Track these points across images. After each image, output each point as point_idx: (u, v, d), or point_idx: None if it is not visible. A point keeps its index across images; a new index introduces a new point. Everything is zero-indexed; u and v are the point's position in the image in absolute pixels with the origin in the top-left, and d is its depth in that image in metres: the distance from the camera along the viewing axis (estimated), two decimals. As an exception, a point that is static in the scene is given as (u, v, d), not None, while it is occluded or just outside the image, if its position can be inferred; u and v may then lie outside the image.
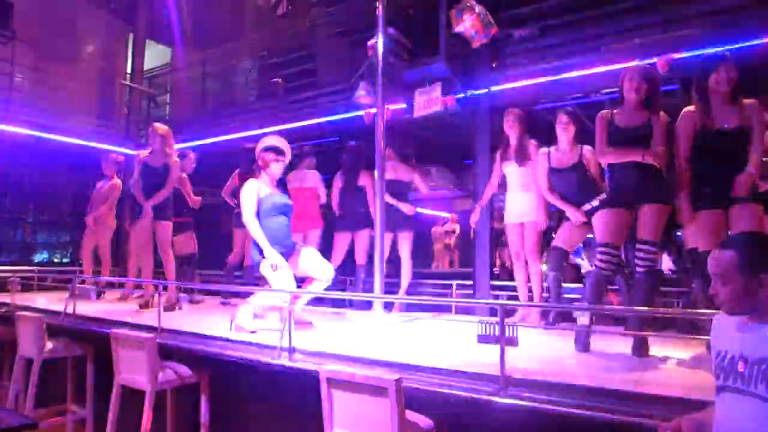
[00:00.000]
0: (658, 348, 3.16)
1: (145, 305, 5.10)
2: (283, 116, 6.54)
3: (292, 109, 6.58)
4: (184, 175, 5.73)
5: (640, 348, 2.98)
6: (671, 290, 4.28)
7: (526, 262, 4.24)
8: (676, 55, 4.03)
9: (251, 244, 3.95)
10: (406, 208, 5.07)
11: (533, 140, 4.28)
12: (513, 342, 2.47)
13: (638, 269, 3.07)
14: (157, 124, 5.31)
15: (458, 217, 10.27)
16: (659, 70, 3.96)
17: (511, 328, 2.45)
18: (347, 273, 5.56)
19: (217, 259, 7.08)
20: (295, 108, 6.53)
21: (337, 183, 5.37)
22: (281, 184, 4.45)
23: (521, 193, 4.23)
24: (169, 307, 4.85)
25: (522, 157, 4.22)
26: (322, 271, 3.92)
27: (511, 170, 4.30)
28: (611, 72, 4.25)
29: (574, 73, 4.48)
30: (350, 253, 5.36)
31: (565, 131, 3.89)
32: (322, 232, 5.45)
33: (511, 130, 4.31)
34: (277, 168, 3.95)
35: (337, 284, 5.54)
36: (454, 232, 10.23)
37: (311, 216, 5.25)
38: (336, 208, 5.35)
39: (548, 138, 4.34)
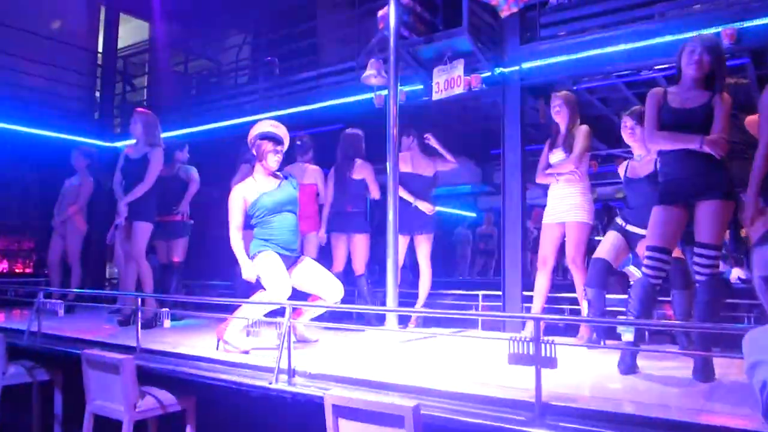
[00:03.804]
0: (725, 371, 3.12)
1: (126, 321, 5.15)
2: (279, 100, 6.57)
3: (289, 92, 6.60)
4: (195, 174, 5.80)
5: (704, 371, 2.95)
6: (740, 302, 4.23)
7: (555, 270, 4.25)
8: (745, 24, 3.98)
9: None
10: (424, 206, 5.07)
11: (584, 125, 4.26)
12: (551, 363, 2.46)
13: (698, 277, 3.04)
14: (139, 109, 5.36)
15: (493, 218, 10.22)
16: (724, 42, 3.92)
17: (548, 346, 2.44)
18: (351, 281, 5.59)
19: (206, 267, 7.11)
20: (294, 91, 6.55)
21: (331, 179, 5.41)
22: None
23: (565, 187, 4.24)
24: (148, 324, 4.89)
25: (570, 146, 4.22)
26: (328, 291, 3.93)
27: (557, 160, 4.29)
28: (665, 44, 4.21)
29: (621, 47, 4.45)
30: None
31: (631, 137, 3.89)
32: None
33: (558, 115, 4.30)
34: (274, 159, 3.97)
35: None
36: (491, 235, 10.21)
37: (309, 217, 5.27)
38: (326, 207, 5.39)
39: (592, 123, 4.32)
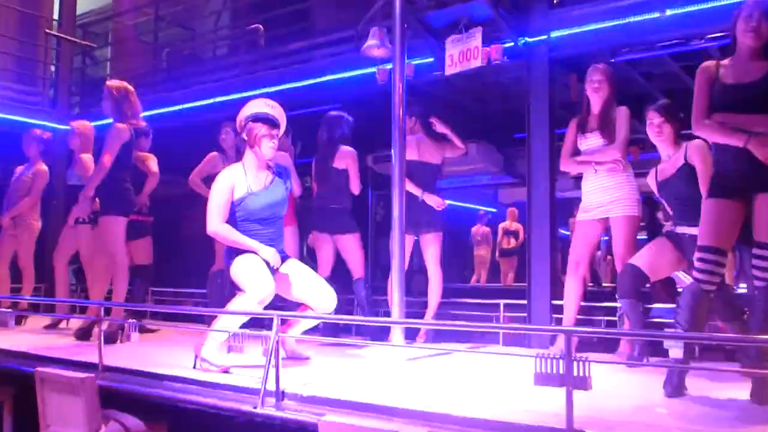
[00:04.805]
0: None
1: (84, 335, 5.17)
2: (264, 75, 6.56)
3: (277, 65, 6.60)
4: (151, 160, 5.80)
5: (761, 392, 2.95)
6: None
7: (587, 279, 4.27)
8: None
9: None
10: (433, 200, 5.07)
11: (624, 107, 4.27)
12: (584, 384, 2.47)
13: (758, 283, 3.04)
14: (109, 82, 5.32)
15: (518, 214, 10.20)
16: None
17: (581, 364, 2.44)
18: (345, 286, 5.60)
19: (179, 272, 7.12)
20: (282, 64, 6.55)
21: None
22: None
23: (606, 177, 4.24)
24: (112, 337, 4.91)
25: (608, 130, 4.22)
26: (318, 298, 3.93)
27: (593, 146, 4.29)
28: (720, 9, 4.20)
29: (668, 11, 4.43)
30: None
31: (658, 135, 3.90)
32: (297, 231, 5.51)
33: (596, 93, 4.29)
34: (269, 146, 3.95)
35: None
36: (515, 233, 10.22)
37: None
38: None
39: (633, 104, 4.31)
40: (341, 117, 5.42)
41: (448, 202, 5.28)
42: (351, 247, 5.28)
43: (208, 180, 5.52)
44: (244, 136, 3.97)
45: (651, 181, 4.06)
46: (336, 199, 5.28)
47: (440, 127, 5.19)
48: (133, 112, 5.14)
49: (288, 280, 3.95)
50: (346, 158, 5.27)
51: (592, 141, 4.29)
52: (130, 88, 5.19)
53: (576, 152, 4.37)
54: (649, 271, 3.83)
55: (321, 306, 3.92)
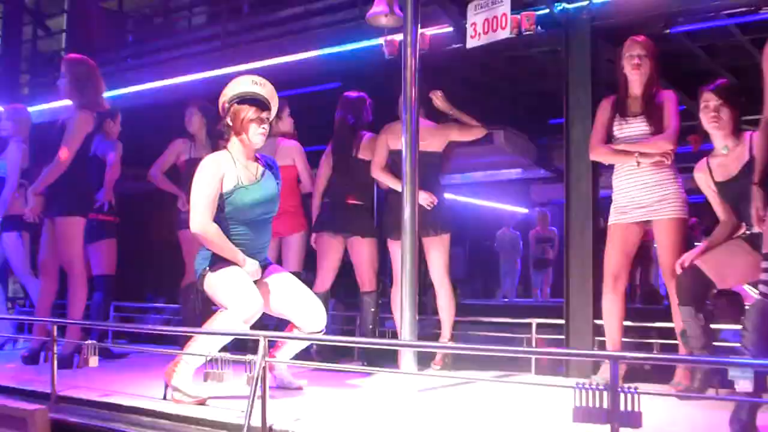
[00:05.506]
0: None
1: (33, 359, 5.18)
2: (249, 49, 6.56)
3: (265, 36, 6.60)
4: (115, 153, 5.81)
5: None
6: None
7: (629, 290, 4.24)
8: None
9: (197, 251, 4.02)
10: (421, 197, 4.89)
11: (671, 90, 4.24)
12: (633, 420, 2.45)
13: None
14: (68, 56, 5.35)
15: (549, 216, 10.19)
16: None
17: (629, 397, 2.43)
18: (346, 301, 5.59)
19: (147, 284, 7.15)
20: (271, 35, 6.55)
21: (327, 159, 5.45)
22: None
23: (650, 172, 4.22)
24: (67, 362, 4.91)
25: (654, 115, 4.20)
26: (304, 315, 3.93)
27: (635, 134, 4.29)
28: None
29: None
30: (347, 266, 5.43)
31: (715, 121, 3.84)
32: (305, 237, 5.51)
33: (636, 70, 4.28)
34: (258, 133, 3.93)
35: (335, 323, 5.57)
36: (550, 240, 10.21)
37: (289, 212, 5.27)
38: (316, 198, 5.44)
39: (687, 86, 4.30)
40: (361, 98, 5.42)
41: (470, 201, 5.26)
42: (366, 252, 5.29)
43: (173, 173, 5.56)
44: (229, 120, 3.95)
45: (703, 178, 4.01)
46: (357, 194, 5.28)
47: (441, 105, 5.10)
48: (96, 93, 5.15)
49: (268, 291, 3.95)
50: (371, 147, 5.26)
51: (634, 128, 4.27)
52: (92, 63, 5.21)
53: (608, 138, 4.36)
54: (715, 275, 3.75)
55: (306, 324, 3.91)
